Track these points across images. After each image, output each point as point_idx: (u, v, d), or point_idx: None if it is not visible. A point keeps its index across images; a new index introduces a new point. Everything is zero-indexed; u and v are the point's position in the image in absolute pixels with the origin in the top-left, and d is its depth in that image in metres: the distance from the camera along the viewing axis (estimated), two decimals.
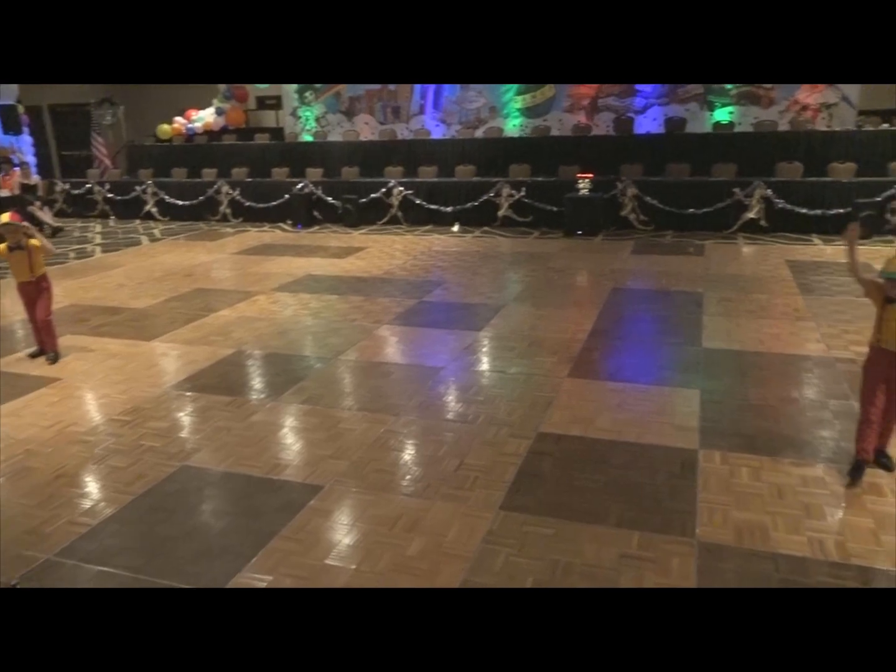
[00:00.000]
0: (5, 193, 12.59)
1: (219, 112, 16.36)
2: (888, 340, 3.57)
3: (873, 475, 3.73)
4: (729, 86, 12.95)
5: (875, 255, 8.77)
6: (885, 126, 11.89)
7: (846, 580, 2.94)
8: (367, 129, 15.32)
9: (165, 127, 16.16)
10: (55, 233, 12.57)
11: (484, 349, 6.08)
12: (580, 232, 10.93)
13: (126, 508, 3.72)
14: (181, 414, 4.88)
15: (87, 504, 3.78)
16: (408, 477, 3.95)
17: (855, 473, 3.68)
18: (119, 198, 14.39)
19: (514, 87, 14.23)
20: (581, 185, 10.96)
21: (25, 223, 5.95)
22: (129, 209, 14.31)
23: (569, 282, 8.39)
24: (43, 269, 5.91)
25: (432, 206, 12.20)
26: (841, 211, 10.06)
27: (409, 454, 4.24)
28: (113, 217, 14.46)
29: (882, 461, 3.76)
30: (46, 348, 5.94)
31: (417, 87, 14.90)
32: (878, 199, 9.89)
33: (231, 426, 4.63)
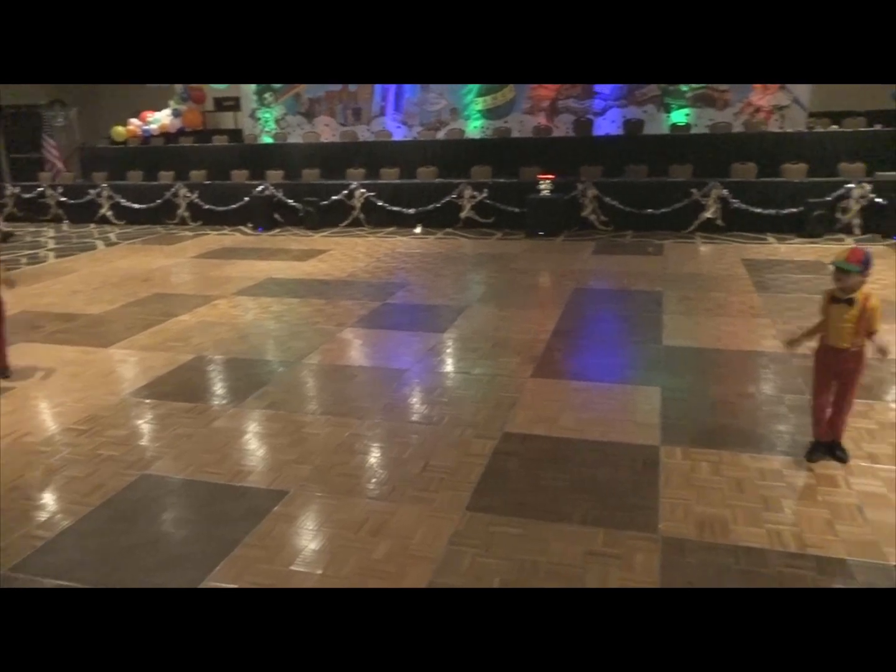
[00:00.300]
0: None
1: (175, 114, 16.10)
2: (833, 337, 3.71)
3: (827, 467, 3.84)
4: (685, 88, 13.21)
5: (826, 252, 9.04)
6: (835, 127, 12.26)
7: (803, 570, 3.02)
8: (327, 130, 15.23)
9: (120, 129, 15.82)
10: (5, 238, 12.22)
11: (448, 350, 6.08)
12: (542, 233, 11.02)
13: (84, 520, 3.63)
14: (140, 422, 4.78)
15: (43, 516, 3.67)
16: (373, 480, 3.93)
17: (811, 454, 3.92)
18: (72, 201, 14.03)
19: (475, 88, 14.30)
20: (542, 187, 11.06)
21: None
22: (84, 213, 13.96)
23: (531, 282, 8.45)
24: None
25: (394, 208, 12.18)
26: (794, 210, 10.34)
27: (374, 457, 4.23)
28: (66, 221, 14.10)
29: (837, 454, 3.88)
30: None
31: (378, 88, 14.87)
32: (829, 198, 10.18)
33: (192, 433, 4.55)
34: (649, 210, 10.93)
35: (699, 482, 3.75)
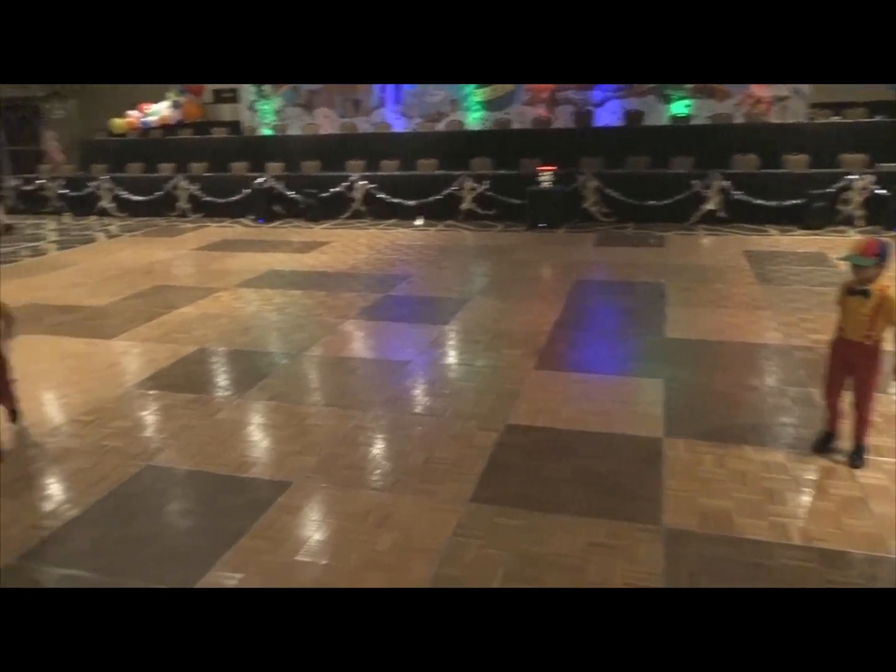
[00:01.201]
0: None
1: (174, 105, 16.03)
2: (849, 329, 3.68)
3: (832, 460, 3.84)
4: None
5: (828, 244, 9.03)
6: (836, 118, 12.22)
7: (807, 563, 3.03)
8: (326, 122, 15.17)
9: (118, 121, 15.76)
10: (7, 230, 12.20)
11: (450, 343, 6.08)
12: (543, 225, 11.00)
13: (90, 510, 3.64)
14: (144, 413, 4.79)
15: (49, 507, 3.69)
16: (377, 472, 3.94)
17: (821, 445, 3.92)
18: (73, 194, 14.00)
19: None
20: (543, 178, 11.03)
21: None
22: (84, 205, 13.94)
23: (533, 274, 8.45)
24: None
25: (395, 200, 12.15)
26: (795, 202, 10.31)
27: (377, 449, 4.23)
28: (67, 213, 14.07)
29: (853, 459, 3.78)
30: (9, 409, 4.63)
31: None
32: (831, 190, 10.16)
33: (195, 424, 4.56)
34: (651, 201, 10.91)
35: (702, 474, 3.75)
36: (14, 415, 4.65)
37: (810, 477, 3.71)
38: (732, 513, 3.40)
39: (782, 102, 12.87)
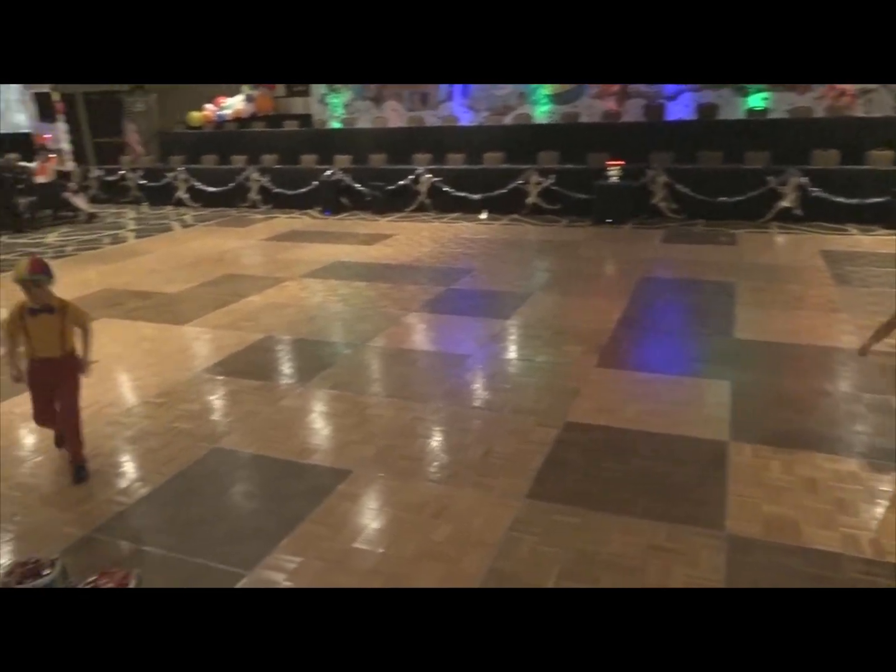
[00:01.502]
0: (42, 179, 12.82)
1: (248, 99, 16.45)
2: None
3: None
4: None
5: None
6: None
7: (879, 577, 2.90)
8: (394, 115, 15.29)
9: (195, 114, 16.29)
10: (90, 219, 12.80)
11: (511, 337, 6.07)
12: (609, 220, 10.83)
13: (160, 489, 3.80)
14: (212, 397, 4.96)
15: (122, 484, 3.87)
16: (435, 464, 3.97)
17: None
18: (151, 184, 14.57)
19: None
20: (611, 173, 10.84)
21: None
22: (161, 195, 14.50)
23: (597, 270, 8.33)
24: (73, 342, 3.91)
25: (460, 194, 12.16)
26: (879, 200, 9.83)
27: (436, 441, 4.26)
28: (145, 203, 14.66)
29: None
30: (71, 455, 3.97)
31: None
32: None
33: (260, 410, 4.69)
34: (723, 198, 10.58)
35: (769, 481, 3.63)
36: (80, 472, 3.90)
37: (885, 488, 3.54)
38: (800, 522, 3.28)
39: (868, 95, 12.25)
